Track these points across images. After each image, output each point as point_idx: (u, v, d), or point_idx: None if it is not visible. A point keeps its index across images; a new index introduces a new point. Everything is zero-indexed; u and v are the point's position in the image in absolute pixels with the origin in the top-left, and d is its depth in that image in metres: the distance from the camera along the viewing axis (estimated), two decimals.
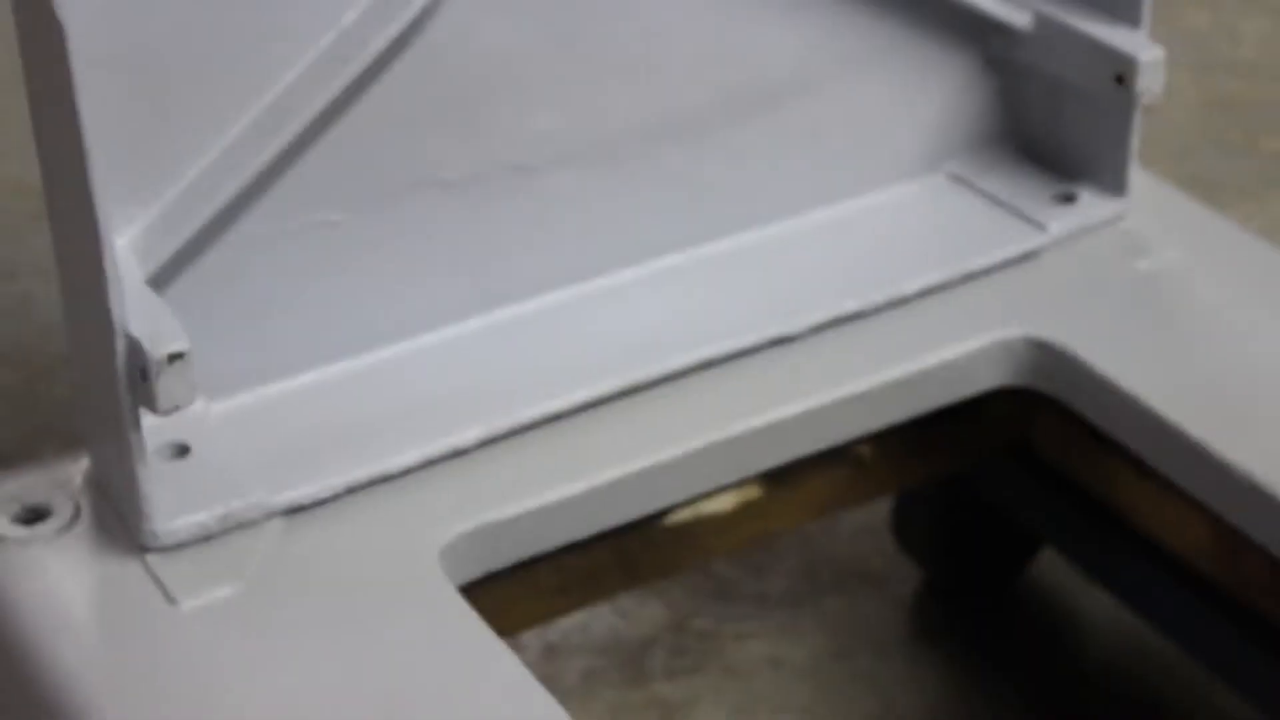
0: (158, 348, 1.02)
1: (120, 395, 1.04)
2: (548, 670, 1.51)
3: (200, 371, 1.04)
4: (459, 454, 1.16)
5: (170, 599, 1.06)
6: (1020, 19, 1.34)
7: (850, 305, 1.27)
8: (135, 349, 1.03)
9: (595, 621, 1.55)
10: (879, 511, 1.60)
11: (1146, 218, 1.36)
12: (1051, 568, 1.57)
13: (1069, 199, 1.36)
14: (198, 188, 1.11)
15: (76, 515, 1.12)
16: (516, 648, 1.45)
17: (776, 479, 1.23)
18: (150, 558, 1.08)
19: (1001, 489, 1.42)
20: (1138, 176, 1.36)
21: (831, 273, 1.29)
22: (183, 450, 1.13)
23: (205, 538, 1.09)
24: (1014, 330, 1.26)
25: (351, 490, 1.14)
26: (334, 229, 1.18)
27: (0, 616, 1.07)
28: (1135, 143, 1.34)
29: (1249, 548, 1.17)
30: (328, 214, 1.17)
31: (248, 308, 1.16)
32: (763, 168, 1.32)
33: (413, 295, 1.22)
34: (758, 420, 1.20)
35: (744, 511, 1.23)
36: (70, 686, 1.02)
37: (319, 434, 1.16)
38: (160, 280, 1.11)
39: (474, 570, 1.13)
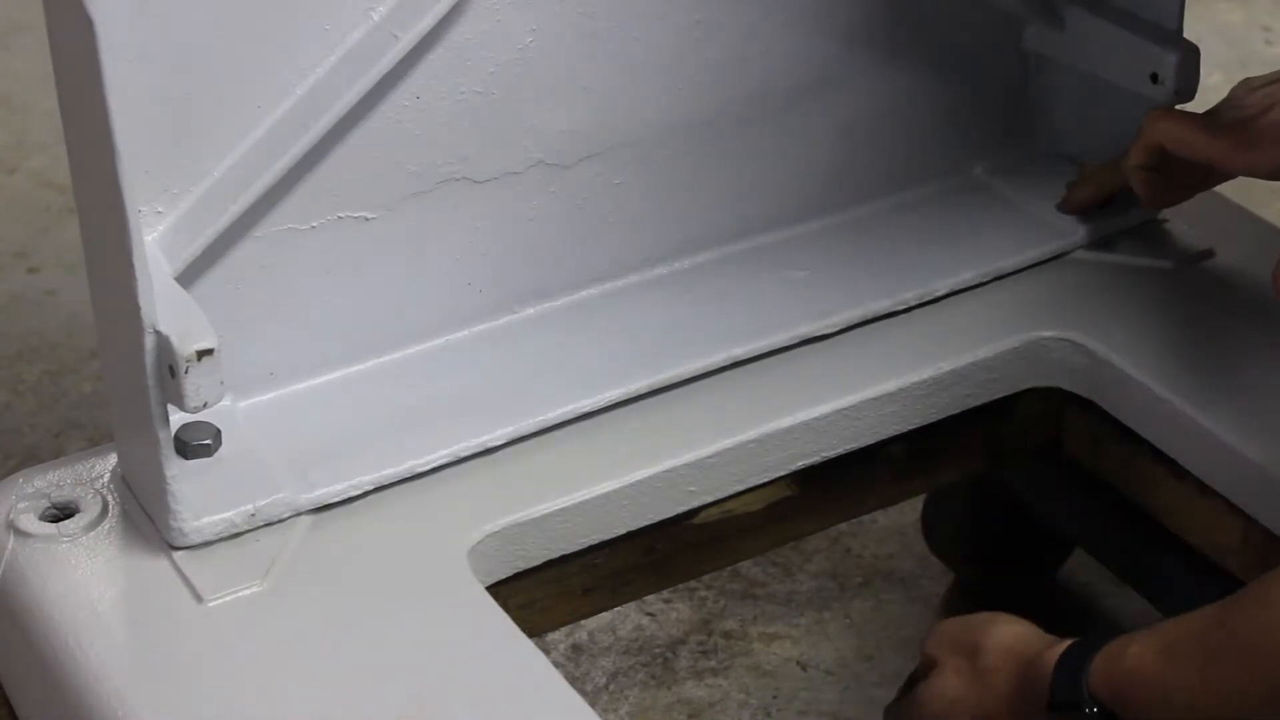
0: (186, 344, 1.01)
1: (148, 392, 1.04)
2: (575, 670, 1.51)
3: (227, 369, 1.03)
4: (488, 453, 1.16)
5: (197, 596, 1.06)
6: (1054, 16, 1.33)
7: (881, 305, 1.26)
8: (164, 346, 1.02)
9: (623, 622, 1.55)
10: (908, 513, 1.60)
11: (1180, 217, 1.35)
12: (1082, 568, 1.56)
13: None
14: (227, 184, 1.10)
15: (104, 512, 1.11)
16: (544, 647, 1.45)
17: (807, 479, 1.22)
18: (177, 555, 1.08)
19: (1032, 490, 1.41)
20: None
21: (862, 272, 1.29)
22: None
23: (232, 535, 1.09)
24: (1046, 330, 1.25)
25: (379, 489, 1.13)
26: (363, 226, 1.17)
27: (28, 613, 1.07)
28: None
29: None
30: (356, 211, 1.17)
31: (276, 304, 1.16)
32: (793, 167, 1.31)
33: (442, 293, 1.21)
34: (788, 420, 1.19)
35: (774, 511, 1.22)
36: (98, 683, 1.02)
37: (346, 432, 1.15)
38: (188, 277, 1.11)
39: (502, 570, 1.13)
